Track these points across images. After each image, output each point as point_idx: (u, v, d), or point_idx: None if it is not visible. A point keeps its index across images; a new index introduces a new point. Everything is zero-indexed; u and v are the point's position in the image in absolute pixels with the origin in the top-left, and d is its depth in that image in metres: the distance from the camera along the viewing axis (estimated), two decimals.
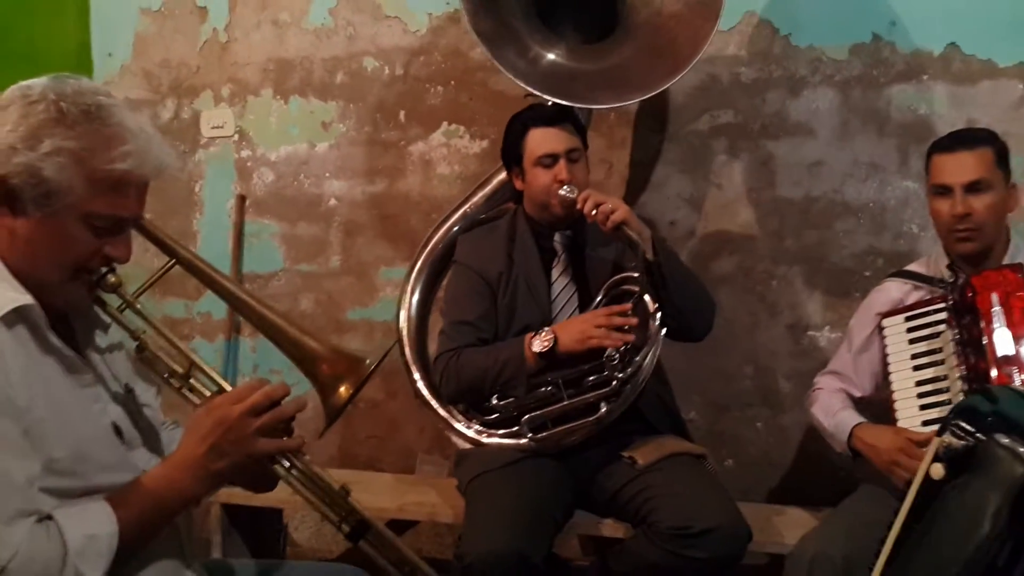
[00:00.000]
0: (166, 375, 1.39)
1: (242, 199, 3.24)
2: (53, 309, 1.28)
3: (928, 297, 2.12)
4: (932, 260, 2.22)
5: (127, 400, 1.40)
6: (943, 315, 2.02)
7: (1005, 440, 0.80)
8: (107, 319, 1.38)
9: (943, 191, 2.07)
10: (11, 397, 1.16)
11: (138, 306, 1.36)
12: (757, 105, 2.79)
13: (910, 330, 2.09)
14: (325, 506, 1.42)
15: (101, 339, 1.41)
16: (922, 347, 2.05)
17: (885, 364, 2.12)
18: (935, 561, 0.80)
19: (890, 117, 2.69)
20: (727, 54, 2.79)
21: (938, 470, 0.86)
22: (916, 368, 2.05)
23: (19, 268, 1.25)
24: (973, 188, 2.03)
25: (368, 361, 1.39)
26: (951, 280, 2.07)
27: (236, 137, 3.24)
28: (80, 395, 1.29)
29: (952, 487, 0.85)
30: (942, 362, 2.00)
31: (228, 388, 1.35)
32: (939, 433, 0.87)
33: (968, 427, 0.86)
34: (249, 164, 3.23)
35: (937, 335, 2.03)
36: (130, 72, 3.33)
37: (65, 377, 1.27)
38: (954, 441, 0.85)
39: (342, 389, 1.38)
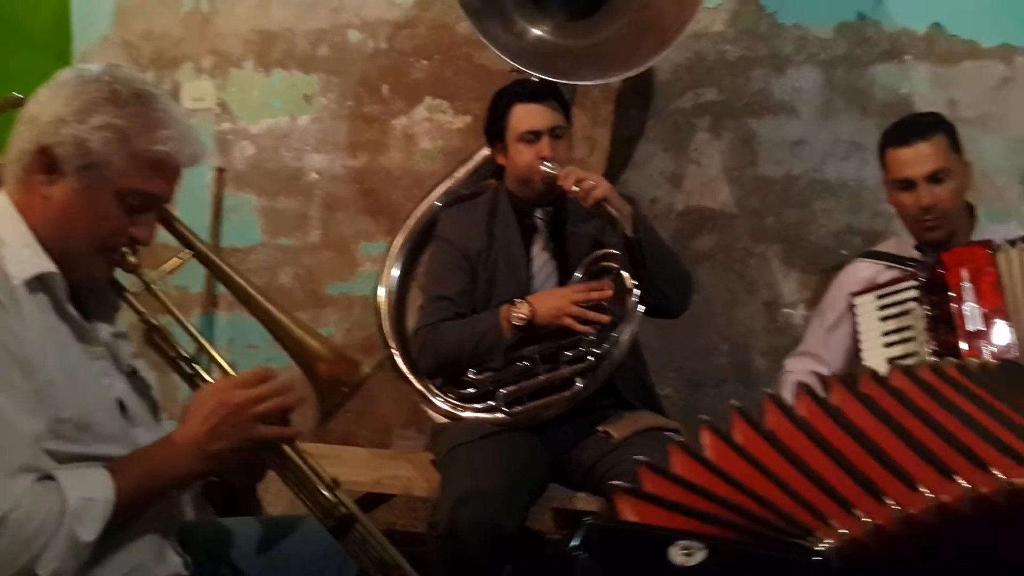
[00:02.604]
0: (173, 358, 1.43)
1: (221, 172, 3.21)
2: (71, 283, 1.32)
3: (899, 275, 2.13)
4: (901, 240, 2.24)
5: (132, 380, 1.43)
6: (913, 292, 2.04)
7: None
8: (119, 301, 1.42)
9: (905, 185, 2.08)
10: (27, 355, 1.20)
11: (155, 289, 1.40)
12: (741, 83, 2.78)
13: (881, 308, 2.11)
14: (311, 498, 1.43)
15: (112, 319, 1.44)
16: (893, 324, 2.07)
17: (857, 342, 2.13)
18: None
19: (873, 97, 2.68)
20: (713, 31, 2.78)
21: None
22: (887, 345, 2.06)
23: (47, 237, 1.29)
24: (934, 178, 2.05)
25: (365, 368, 1.44)
26: (919, 259, 2.08)
27: (217, 110, 3.21)
28: (90, 366, 1.33)
29: None
30: (913, 339, 2.02)
31: (233, 374, 1.38)
32: None
33: None
34: (229, 137, 3.21)
35: (908, 312, 2.05)
36: (110, 43, 3.29)
37: (78, 346, 1.31)
38: None
39: (338, 390, 1.42)
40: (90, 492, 1.20)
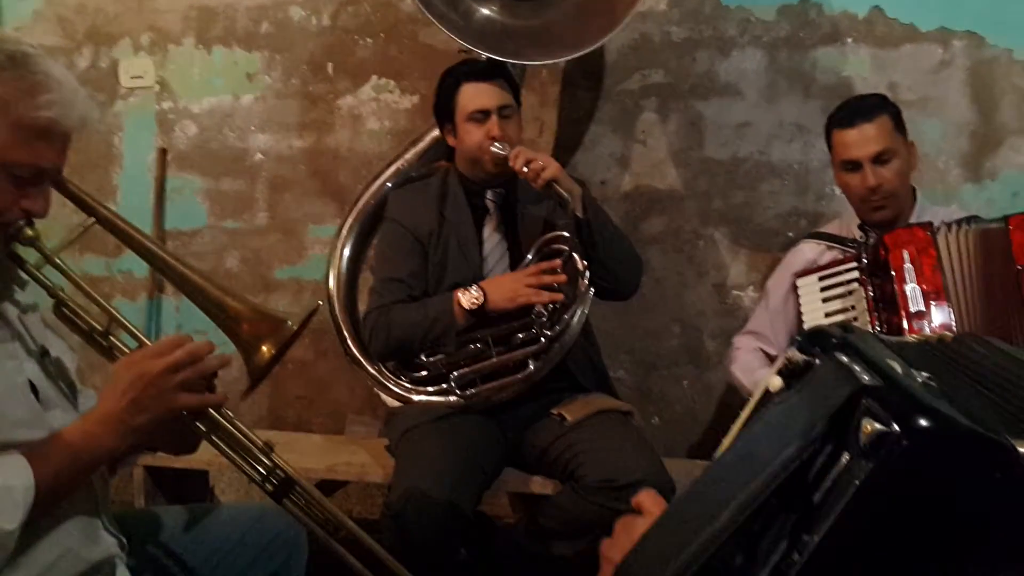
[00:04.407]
0: (86, 331, 1.37)
1: (163, 153, 3.14)
2: None
3: (841, 257, 2.18)
4: (844, 222, 2.29)
5: (43, 360, 1.37)
6: (855, 274, 2.09)
7: (844, 359, 0.80)
8: (23, 276, 1.34)
9: (852, 167, 2.12)
10: None
11: (57, 260, 1.33)
12: (687, 65, 2.80)
13: (823, 289, 2.16)
14: (248, 464, 1.43)
15: (18, 295, 1.37)
16: (836, 305, 2.12)
17: (800, 323, 2.18)
18: (748, 467, 0.78)
19: (815, 79, 2.72)
20: (658, 11, 2.79)
21: (776, 383, 0.86)
22: None
23: None
24: (880, 159, 2.09)
25: (290, 323, 1.38)
26: (862, 240, 2.13)
27: (157, 88, 3.13)
28: None
29: (778, 399, 0.85)
30: (855, 319, 2.07)
31: (149, 344, 1.33)
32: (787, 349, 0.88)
33: (813, 347, 0.86)
34: (171, 116, 3.13)
35: (850, 293, 2.10)
36: (43, 18, 3.18)
37: None
38: (796, 355, 0.86)
39: (264, 349, 1.37)
40: (7, 480, 1.16)
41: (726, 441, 0.94)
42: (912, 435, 0.70)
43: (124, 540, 1.43)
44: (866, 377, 0.75)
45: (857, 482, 0.71)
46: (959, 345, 1.00)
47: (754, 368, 2.24)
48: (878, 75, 2.67)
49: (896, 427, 0.70)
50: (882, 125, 2.10)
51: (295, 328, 1.38)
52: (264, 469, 1.44)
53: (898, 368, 0.79)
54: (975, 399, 0.82)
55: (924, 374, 0.80)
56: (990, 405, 0.82)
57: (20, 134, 1.20)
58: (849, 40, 2.70)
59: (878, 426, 0.70)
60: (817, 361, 0.84)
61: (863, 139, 2.09)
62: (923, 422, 0.70)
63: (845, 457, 0.72)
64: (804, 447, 0.74)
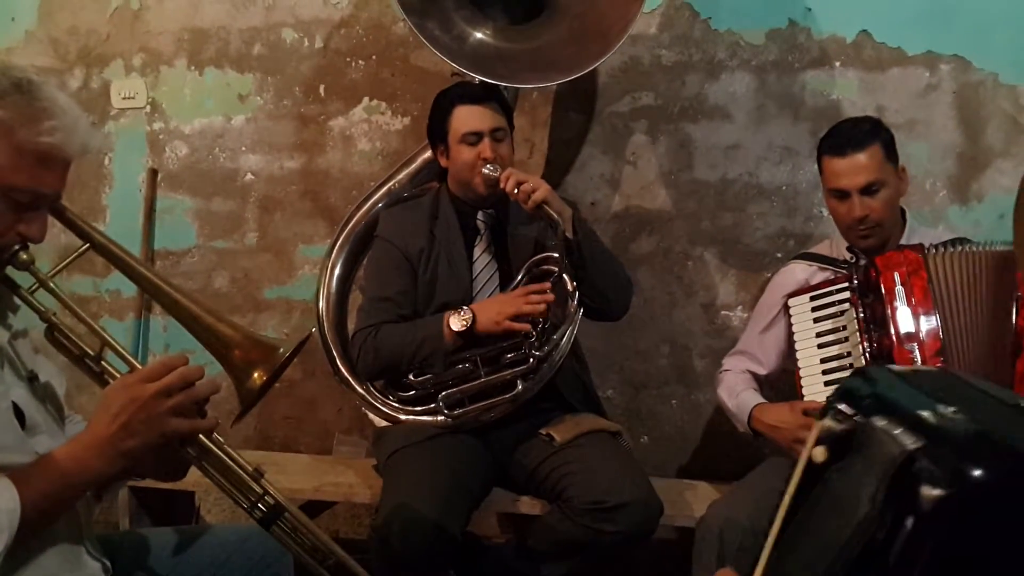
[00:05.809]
0: (77, 355, 1.36)
1: (154, 173, 3.13)
2: None
3: (832, 277, 2.18)
4: (834, 242, 2.30)
5: (32, 385, 1.36)
6: (846, 294, 2.08)
7: (882, 423, 0.82)
8: (16, 300, 1.34)
9: (840, 195, 2.11)
10: None
11: (51, 285, 1.33)
12: (677, 88, 2.82)
13: (815, 309, 2.15)
14: (237, 490, 1.42)
15: (9, 320, 1.36)
16: (827, 325, 2.12)
17: (791, 342, 2.18)
18: (820, 542, 0.82)
19: (804, 102, 2.74)
20: (648, 35, 2.81)
21: (820, 453, 0.89)
22: (821, 346, 2.12)
23: None
24: (868, 190, 2.07)
25: (282, 350, 1.37)
26: (852, 261, 2.13)
27: (148, 108, 3.13)
28: None
29: (834, 470, 0.88)
30: (846, 339, 2.07)
31: (140, 367, 1.31)
32: (820, 416, 0.90)
33: (847, 410, 0.89)
34: (162, 137, 3.13)
35: (841, 314, 2.10)
36: (35, 39, 3.18)
37: None
38: (834, 425, 0.88)
39: (255, 376, 1.36)
40: None
41: (781, 513, 0.96)
42: (971, 489, 0.73)
43: (108, 564, 1.41)
44: (909, 440, 0.78)
45: (931, 543, 0.73)
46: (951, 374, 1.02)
47: (739, 391, 2.24)
48: (866, 98, 2.70)
49: (954, 486, 0.73)
50: (873, 155, 2.07)
51: (287, 355, 1.37)
52: (253, 496, 1.42)
53: (930, 417, 0.81)
54: (1002, 418, 0.85)
55: (950, 408, 0.82)
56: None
57: (22, 159, 1.21)
58: (837, 64, 2.72)
59: (937, 491, 0.73)
60: (855, 426, 0.86)
61: (853, 169, 2.07)
62: (977, 473, 0.73)
63: (910, 521, 0.74)
64: (871, 517, 0.77)
